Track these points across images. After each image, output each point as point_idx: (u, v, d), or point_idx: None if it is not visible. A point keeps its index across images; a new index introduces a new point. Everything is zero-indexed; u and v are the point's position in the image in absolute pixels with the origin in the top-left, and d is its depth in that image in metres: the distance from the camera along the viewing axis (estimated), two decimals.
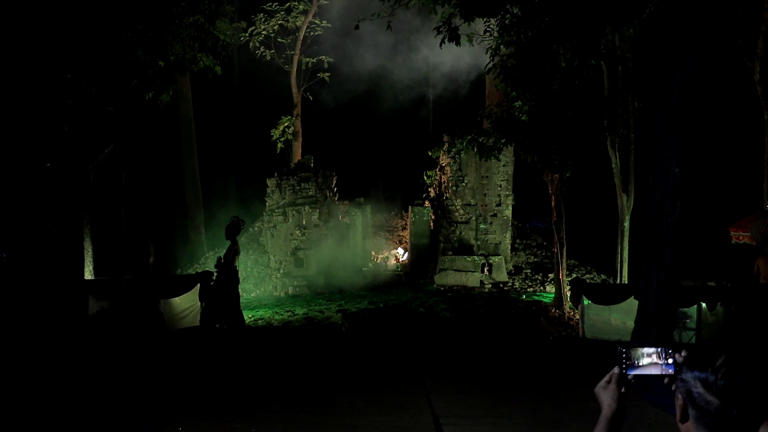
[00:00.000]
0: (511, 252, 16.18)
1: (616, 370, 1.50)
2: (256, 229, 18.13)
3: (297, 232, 15.73)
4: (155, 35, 10.80)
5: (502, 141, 11.93)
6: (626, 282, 12.17)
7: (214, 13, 11.50)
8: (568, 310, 11.83)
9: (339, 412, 5.51)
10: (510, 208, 15.96)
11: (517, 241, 16.96)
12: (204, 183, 20.66)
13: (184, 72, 12.34)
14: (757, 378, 1.30)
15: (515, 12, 10.78)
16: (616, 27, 11.03)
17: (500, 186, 15.87)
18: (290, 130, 20.35)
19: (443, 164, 16.47)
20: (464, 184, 15.81)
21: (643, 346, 1.49)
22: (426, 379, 6.86)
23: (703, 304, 9.13)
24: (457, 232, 15.68)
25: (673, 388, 1.42)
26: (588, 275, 15.40)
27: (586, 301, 10.08)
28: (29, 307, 8.55)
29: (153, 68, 11.11)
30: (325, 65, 20.70)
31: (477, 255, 15.16)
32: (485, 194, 15.91)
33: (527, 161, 12.17)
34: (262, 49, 20.32)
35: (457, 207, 15.77)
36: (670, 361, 1.45)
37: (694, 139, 7.19)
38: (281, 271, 15.65)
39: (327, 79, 20.80)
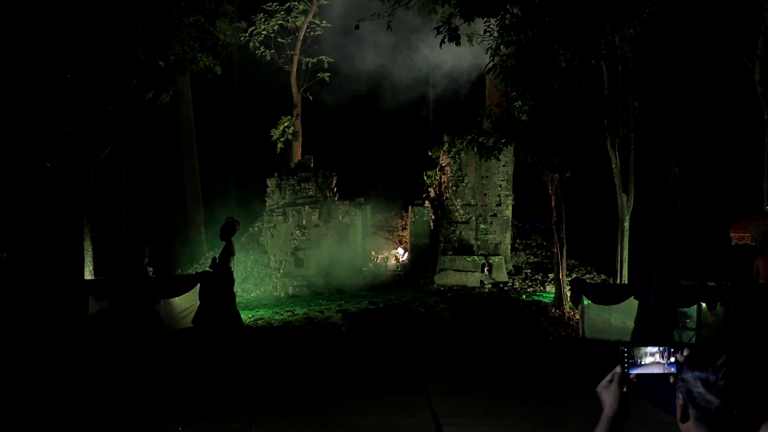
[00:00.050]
0: (511, 252, 16.19)
1: (618, 369, 1.50)
2: (256, 229, 18.12)
3: (297, 232, 15.73)
4: (155, 35, 10.80)
5: (502, 141, 11.93)
6: (626, 282, 12.17)
7: (214, 13, 11.50)
8: (568, 310, 11.83)
9: (339, 412, 5.51)
10: (510, 208, 15.96)
11: (517, 241, 16.96)
12: (204, 183, 20.66)
13: (184, 72, 12.33)
14: (757, 378, 1.30)
15: (515, 12, 10.78)
16: (616, 27, 11.03)
17: (500, 186, 15.87)
18: (290, 130, 20.35)
19: (443, 164, 16.48)
20: (464, 184, 15.81)
21: (646, 345, 1.49)
22: (426, 379, 6.86)
23: (703, 304, 9.14)
24: (457, 232, 15.68)
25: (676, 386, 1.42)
26: (588, 275, 15.40)
27: (586, 301, 10.08)
28: (29, 307, 8.55)
29: (153, 68, 11.10)
30: (325, 65, 20.69)
31: (477, 255, 15.16)
32: (485, 194, 15.91)
33: (527, 161, 12.16)
34: (262, 49, 20.32)
35: (457, 207, 15.77)
36: (673, 360, 1.45)
37: (694, 139, 7.19)
38: (281, 271, 15.65)
39: (327, 79, 20.80)
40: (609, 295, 9.95)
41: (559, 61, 10.31)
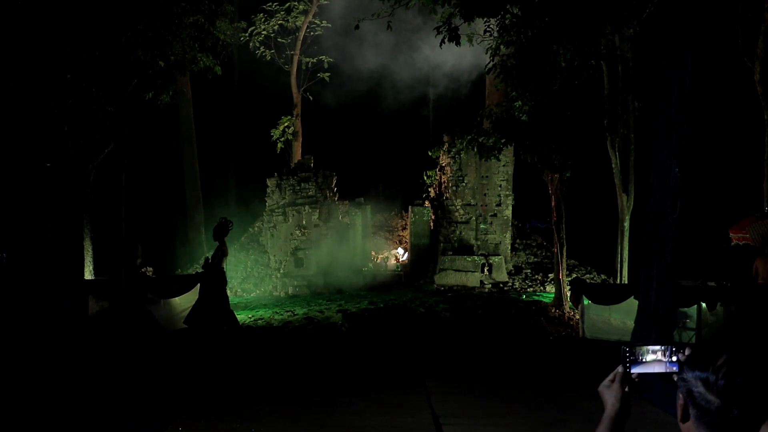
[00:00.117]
0: (511, 252, 16.19)
1: (620, 369, 1.50)
2: (256, 229, 18.12)
3: (297, 232, 15.73)
4: (155, 35, 10.80)
5: (502, 141, 11.93)
6: (626, 282, 12.17)
7: (214, 13, 11.50)
8: (568, 310, 11.83)
9: (339, 412, 5.51)
10: (510, 208, 15.96)
11: (517, 241, 16.96)
12: (204, 183, 20.64)
13: (184, 72, 12.33)
14: (757, 378, 1.30)
15: (515, 12, 10.78)
16: (616, 27, 11.03)
17: (500, 186, 15.87)
18: (290, 130, 20.35)
19: (443, 164, 16.48)
20: (464, 184, 15.81)
21: (648, 344, 1.49)
22: (426, 379, 6.86)
23: (703, 304, 9.14)
24: (457, 232, 15.68)
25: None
26: (588, 275, 15.41)
27: (586, 301, 10.09)
28: (29, 307, 8.55)
29: (153, 68, 11.11)
30: (325, 65, 20.70)
31: (477, 255, 15.16)
32: (485, 194, 15.91)
33: (527, 161, 12.16)
34: (262, 49, 20.32)
35: (457, 207, 15.77)
36: (674, 359, 1.45)
37: (694, 139, 7.19)
38: (281, 271, 15.65)
39: (327, 79, 20.80)
40: (609, 295, 9.95)
41: (559, 61, 10.31)
